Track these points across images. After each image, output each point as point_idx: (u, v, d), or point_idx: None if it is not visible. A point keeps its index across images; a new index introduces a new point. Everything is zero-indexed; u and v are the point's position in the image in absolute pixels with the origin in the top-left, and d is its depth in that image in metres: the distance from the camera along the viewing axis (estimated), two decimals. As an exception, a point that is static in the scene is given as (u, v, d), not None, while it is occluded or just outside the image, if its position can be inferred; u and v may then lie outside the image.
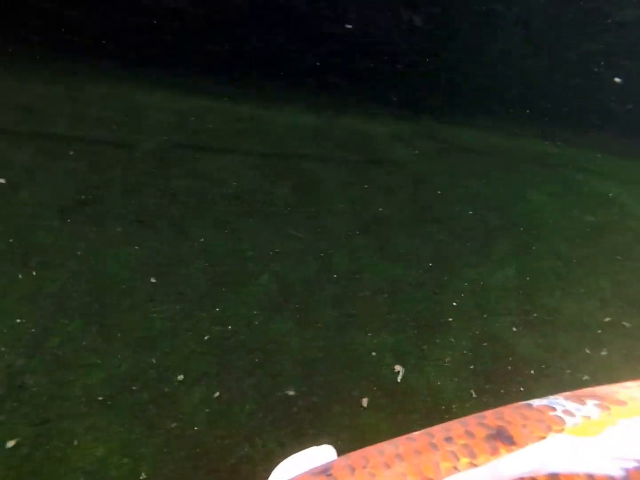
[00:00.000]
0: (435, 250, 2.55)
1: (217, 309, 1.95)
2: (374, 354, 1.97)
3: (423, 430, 0.78)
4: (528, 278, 2.57)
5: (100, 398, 1.57)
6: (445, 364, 2.03)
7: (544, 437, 0.71)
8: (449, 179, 3.12)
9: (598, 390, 0.86)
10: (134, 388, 1.62)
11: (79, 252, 2.01)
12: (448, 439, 0.73)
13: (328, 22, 3.20)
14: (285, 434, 1.63)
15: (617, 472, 0.67)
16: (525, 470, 0.66)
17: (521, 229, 2.87)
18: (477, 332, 2.20)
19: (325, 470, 0.71)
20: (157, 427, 1.54)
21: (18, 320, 1.69)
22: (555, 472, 0.66)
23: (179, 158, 2.65)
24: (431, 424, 0.80)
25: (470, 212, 2.87)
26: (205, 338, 1.83)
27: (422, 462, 0.69)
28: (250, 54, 3.28)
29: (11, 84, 2.81)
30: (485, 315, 2.29)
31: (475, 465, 0.67)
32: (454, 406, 1.89)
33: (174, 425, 1.56)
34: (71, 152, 2.47)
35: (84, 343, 1.70)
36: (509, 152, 3.63)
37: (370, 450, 0.74)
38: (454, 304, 2.30)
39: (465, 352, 2.11)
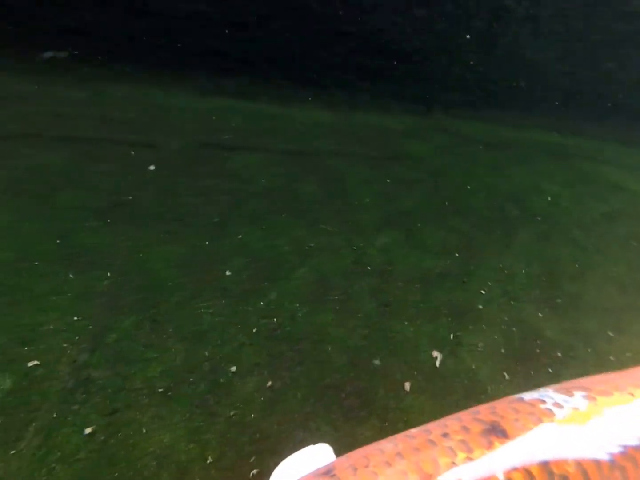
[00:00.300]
0: (460, 241, 2.63)
1: (262, 303, 2.01)
2: (412, 340, 2.05)
3: (421, 427, 0.80)
4: (549, 266, 2.65)
5: (160, 389, 1.63)
6: (479, 349, 2.11)
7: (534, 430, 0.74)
8: (465, 171, 3.20)
9: (585, 382, 0.89)
10: (191, 379, 1.69)
11: (123, 252, 2.07)
12: (445, 435, 0.75)
13: (343, 22, 3.25)
14: (337, 418, 1.70)
15: (603, 457, 0.72)
16: (518, 461, 0.70)
17: (539, 218, 2.96)
18: (505, 318, 2.28)
19: (328, 471, 0.72)
20: (218, 415, 1.61)
21: (75, 318, 1.75)
22: (546, 460, 0.70)
23: (207, 157, 2.70)
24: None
25: (490, 204, 2.95)
26: (254, 330, 1.90)
27: (422, 459, 0.71)
28: (267, 53, 3.33)
29: (36, 90, 2.85)
30: (512, 302, 2.37)
31: (471, 460, 0.70)
32: (489, 388, 1.97)
33: (232, 413, 1.63)
34: (102, 154, 2.52)
35: (140, 338, 1.77)
36: (521, 143, 3.71)
37: (371, 449, 0.76)
38: (482, 292, 2.38)
39: (496, 337, 2.18)
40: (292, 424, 1.65)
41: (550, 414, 0.77)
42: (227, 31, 3.16)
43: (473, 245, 2.62)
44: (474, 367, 2.03)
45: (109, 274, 1.96)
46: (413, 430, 0.79)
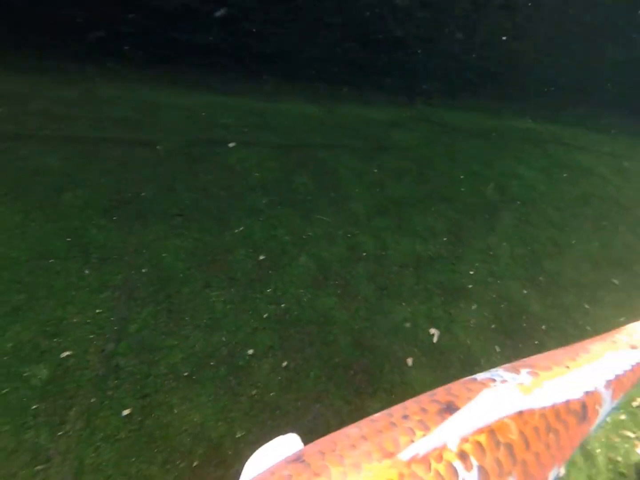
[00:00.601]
0: (447, 226, 2.85)
1: (269, 290, 2.18)
2: (410, 320, 2.26)
3: (384, 411, 0.88)
4: (530, 246, 2.91)
5: (185, 374, 1.79)
6: (471, 325, 2.34)
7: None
8: (448, 159, 3.43)
9: (531, 360, 1.03)
10: (211, 363, 1.85)
11: (131, 248, 2.20)
12: (405, 417, 0.83)
13: (327, 14, 3.41)
14: (348, 393, 1.90)
15: (540, 405, 0.87)
16: (467, 427, 0.80)
17: (518, 202, 3.22)
18: (493, 296, 2.52)
19: (298, 457, 0.77)
20: (240, 395, 1.78)
21: (97, 311, 1.89)
22: (489, 423, 0.82)
23: (202, 153, 2.84)
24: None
25: (473, 190, 3.19)
26: (265, 316, 2.07)
27: (384, 439, 0.78)
28: (252, 48, 3.46)
29: (25, 90, 2.91)
30: (498, 281, 2.62)
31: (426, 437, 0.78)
32: (482, 360, 2.21)
33: (254, 392, 1.80)
34: (100, 154, 2.63)
35: (159, 328, 1.91)
36: (499, 131, 3.98)
37: (338, 435, 0.82)
38: (471, 272, 2.62)
39: (486, 314, 2.42)
40: (308, 400, 1.84)
41: (498, 392, 0.88)
42: (212, 26, 3.27)
43: (459, 230, 2.86)
44: (468, 342, 2.26)
45: (121, 268, 2.09)
46: (376, 415, 0.87)
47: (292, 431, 1.74)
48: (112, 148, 2.67)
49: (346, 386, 1.93)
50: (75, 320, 1.83)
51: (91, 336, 1.80)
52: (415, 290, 2.42)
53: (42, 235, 2.12)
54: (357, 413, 1.83)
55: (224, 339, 1.95)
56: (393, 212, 2.83)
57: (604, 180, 3.68)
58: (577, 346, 1.08)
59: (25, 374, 1.63)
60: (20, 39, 2.98)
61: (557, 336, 2.44)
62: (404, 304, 2.34)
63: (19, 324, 1.76)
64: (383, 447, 0.76)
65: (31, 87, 2.92)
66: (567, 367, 0.97)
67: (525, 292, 2.60)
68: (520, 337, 2.38)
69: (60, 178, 2.40)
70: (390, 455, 0.75)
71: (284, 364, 1.93)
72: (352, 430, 0.81)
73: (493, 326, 2.37)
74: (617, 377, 1.00)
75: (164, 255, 2.20)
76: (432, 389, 1.05)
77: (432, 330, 2.26)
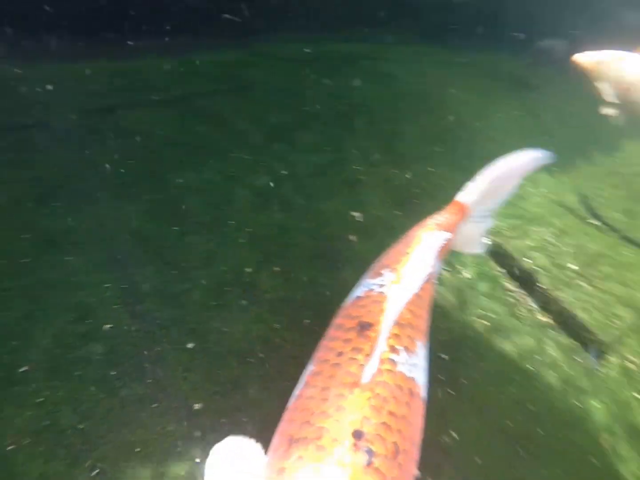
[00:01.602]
0: (325, 138, 3.16)
1: (232, 222, 2.28)
2: (338, 211, 2.60)
3: (315, 361, 0.93)
4: (381, 138, 3.40)
5: (214, 304, 1.89)
6: (376, 203, 2.77)
7: (383, 309, 0.97)
8: (298, 85, 3.68)
9: (384, 260, 1.20)
10: (226, 289, 1.97)
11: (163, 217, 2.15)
12: (340, 354, 0.87)
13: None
14: (329, 272, 2.21)
15: (411, 285, 1.06)
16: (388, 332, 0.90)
17: (363, 108, 3.67)
18: (380, 180, 2.95)
19: (291, 440, 0.76)
20: (261, 302, 1.96)
21: (106, 285, 1.81)
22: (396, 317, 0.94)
23: (100, 123, 2.56)
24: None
25: (327, 106, 3.52)
26: (240, 241, 2.20)
27: (341, 378, 0.81)
28: (92, 10, 3.03)
29: None
30: (377, 169, 3.06)
31: (368, 355, 0.84)
32: (394, 222, 2.66)
33: (267, 296, 1.99)
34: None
35: (168, 278, 1.93)
36: (324, 55, 4.30)
37: (301, 403, 0.83)
38: (358, 168, 3.00)
39: (380, 193, 2.86)
40: (309, 288, 2.10)
41: (380, 295, 1.04)
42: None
43: (335, 139, 3.19)
44: (380, 214, 2.70)
45: (104, 245, 1.96)
46: (314, 368, 0.91)
47: (307, 309, 2.00)
48: (9, 138, 2.25)
49: (325, 269, 2.23)
50: (91, 299, 1.73)
51: (116, 306, 1.74)
52: (330, 190, 2.74)
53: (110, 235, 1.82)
54: (342, 282, 2.12)
55: (222, 268, 2.04)
56: (284, 137, 3.01)
57: (405, 83, 4.34)
58: (408, 236, 1.32)
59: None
60: None
61: (424, 193, 3.02)
62: (328, 202, 2.65)
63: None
64: (346, 383, 0.80)
65: None
66: (407, 252, 1.19)
67: (395, 171, 3.12)
68: (405, 201, 2.89)
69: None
70: (355, 384, 0.80)
71: (276, 269, 2.13)
72: (309, 392, 0.84)
73: (388, 200, 2.85)
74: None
75: (196, 206, 2.21)
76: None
77: (354, 214, 2.64)
